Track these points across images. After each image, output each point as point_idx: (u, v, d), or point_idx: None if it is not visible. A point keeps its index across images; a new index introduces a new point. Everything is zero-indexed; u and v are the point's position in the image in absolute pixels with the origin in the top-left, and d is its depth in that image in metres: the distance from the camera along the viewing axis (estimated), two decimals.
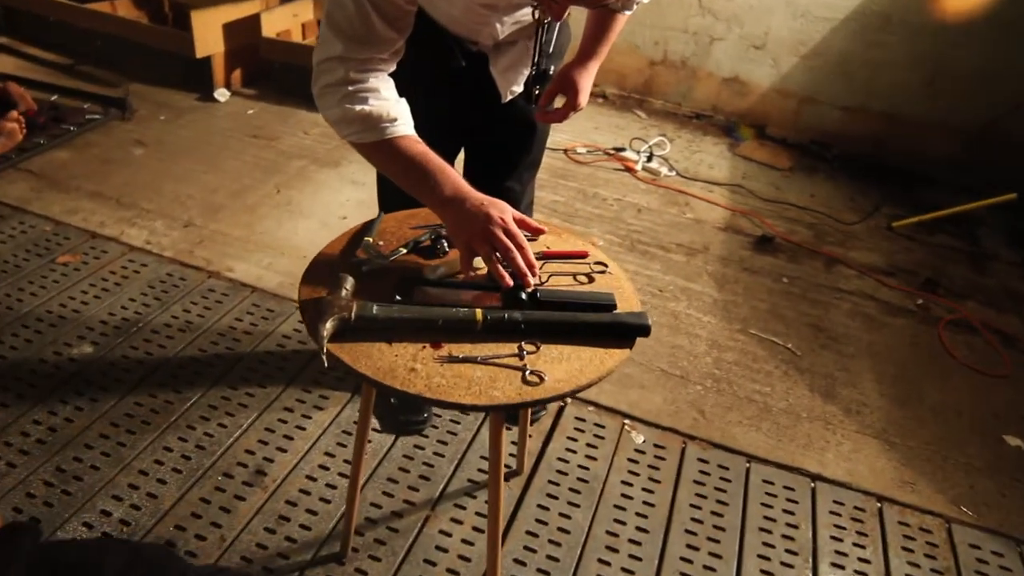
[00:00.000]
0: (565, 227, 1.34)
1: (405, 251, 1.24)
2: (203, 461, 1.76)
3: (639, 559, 1.66)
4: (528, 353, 1.04)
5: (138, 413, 1.87)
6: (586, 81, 1.50)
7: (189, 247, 2.52)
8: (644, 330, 1.09)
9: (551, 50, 1.49)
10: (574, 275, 1.24)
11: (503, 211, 1.12)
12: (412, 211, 1.38)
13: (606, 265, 1.27)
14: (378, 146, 1.16)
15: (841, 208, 3.30)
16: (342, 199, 2.89)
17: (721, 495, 1.85)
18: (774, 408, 2.15)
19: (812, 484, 1.91)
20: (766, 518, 1.80)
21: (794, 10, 3.61)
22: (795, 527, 1.78)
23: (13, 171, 2.85)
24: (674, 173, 3.37)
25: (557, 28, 1.46)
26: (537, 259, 1.23)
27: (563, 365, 1.03)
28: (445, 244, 1.25)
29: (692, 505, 1.81)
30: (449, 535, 1.66)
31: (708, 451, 1.97)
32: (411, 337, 1.04)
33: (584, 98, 1.49)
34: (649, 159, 3.38)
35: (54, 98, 3.35)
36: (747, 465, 1.95)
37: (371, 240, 1.24)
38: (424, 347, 1.03)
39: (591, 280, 1.24)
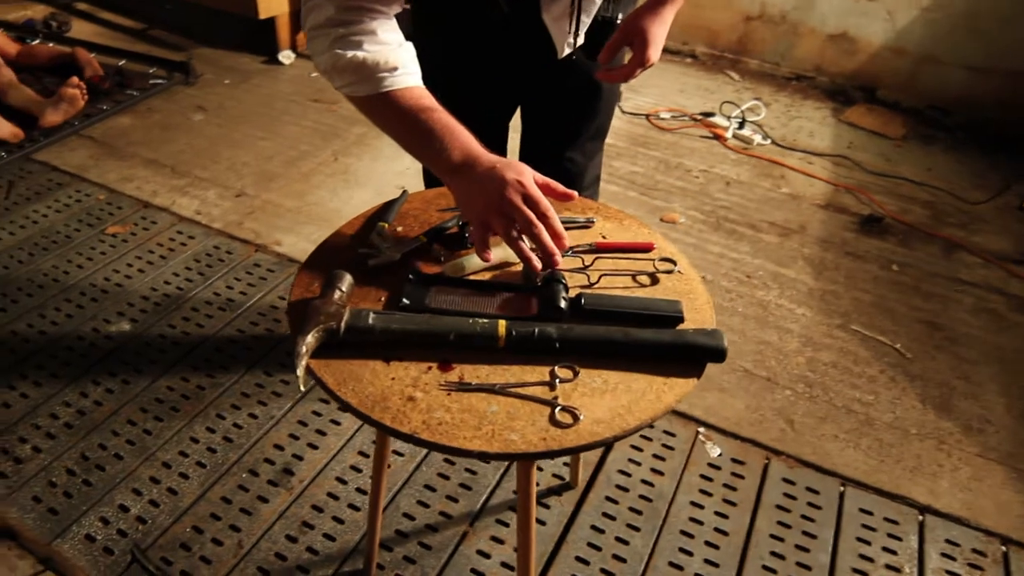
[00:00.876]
0: (625, 212, 1.09)
1: (425, 240, 1.02)
2: (229, 455, 1.63)
3: None
4: (562, 381, 0.82)
5: (168, 398, 1.75)
6: (658, 30, 1.19)
7: (239, 218, 2.40)
8: (717, 354, 0.84)
9: None
10: (633, 275, 1.00)
11: (520, 173, 0.90)
12: (445, 188, 1.16)
13: (675, 263, 1.02)
14: (374, 100, 0.94)
15: (964, 185, 2.88)
16: (401, 167, 2.70)
17: (808, 524, 1.58)
18: (877, 421, 1.84)
19: (920, 517, 1.61)
20: (862, 556, 1.52)
21: None
22: (897, 570, 1.50)
23: (76, 138, 2.80)
24: (769, 142, 3.02)
25: None
26: (589, 253, 1.00)
27: (606, 399, 0.80)
28: None
29: (773, 536, 1.55)
30: (488, 556, 1.47)
31: (796, 470, 1.70)
32: (415, 355, 0.83)
33: (655, 51, 1.19)
34: (741, 126, 3.04)
35: (122, 63, 3.30)
36: (841, 489, 1.67)
37: (386, 226, 1.03)
38: (430, 368, 0.82)
39: (654, 282, 0.99)
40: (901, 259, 2.43)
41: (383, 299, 0.92)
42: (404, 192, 1.14)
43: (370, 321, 0.83)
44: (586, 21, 1.23)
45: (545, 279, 0.93)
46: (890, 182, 2.84)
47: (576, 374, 0.82)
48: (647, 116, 3.15)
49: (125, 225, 2.35)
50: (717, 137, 3.00)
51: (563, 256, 0.91)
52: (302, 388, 0.75)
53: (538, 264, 0.89)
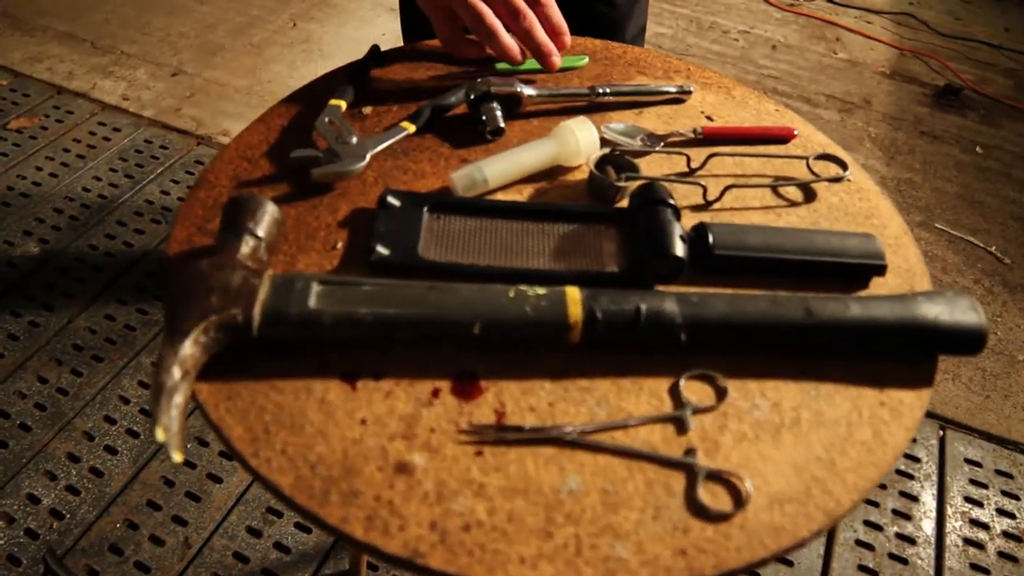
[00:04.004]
0: (734, 79, 0.65)
1: (412, 130, 0.60)
2: None
3: None
4: (697, 411, 0.42)
5: (89, 344, 1.36)
6: None
7: (176, 103, 1.92)
8: (973, 339, 0.45)
9: None
10: (774, 185, 0.59)
11: None
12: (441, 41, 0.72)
13: (844, 166, 0.61)
14: None
15: None
16: (376, 33, 2.20)
17: (906, 483, 1.25)
18: None
19: None
20: (974, 522, 1.20)
21: None
22: (1018, 540, 1.18)
23: None
24: None
25: None
26: (696, 146, 0.59)
27: (785, 447, 0.41)
28: (498, 112, 0.61)
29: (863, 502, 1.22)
30: None
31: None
32: (405, 366, 0.44)
33: None
34: None
35: None
36: (940, 433, 1.33)
37: (342, 105, 0.61)
38: (436, 393, 0.43)
39: (809, 197, 0.59)
40: (986, 140, 2.00)
41: (338, 248, 0.51)
42: (374, 48, 0.70)
43: (312, 301, 0.42)
44: None
45: (638, 192, 0.52)
46: (964, 45, 2.36)
47: (723, 394, 0.43)
48: None
49: (33, 117, 1.87)
50: None
51: (642, 139, 0.52)
52: (175, 458, 0.33)
53: (518, 56, 0.63)
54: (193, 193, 0.56)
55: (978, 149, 1.98)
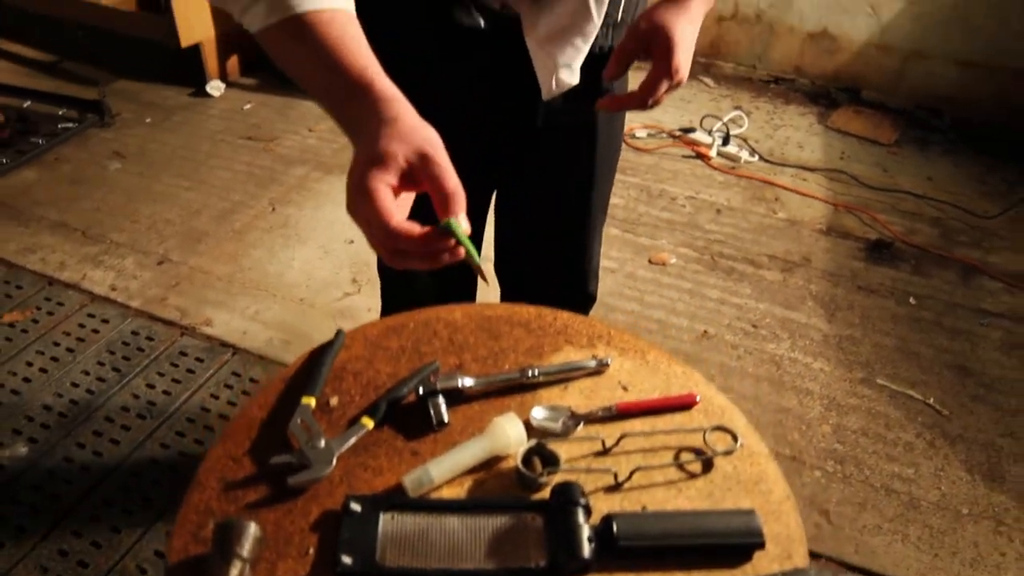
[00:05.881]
0: (629, 330, 0.80)
1: (371, 426, 0.71)
2: None
3: None
4: None
5: (75, 550, 1.41)
6: (686, 28, 0.82)
7: (162, 292, 2.04)
8: None
9: None
10: (677, 460, 0.70)
11: (365, 202, 0.60)
12: (403, 318, 0.85)
13: (735, 436, 0.72)
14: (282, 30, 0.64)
15: (969, 194, 2.64)
16: (348, 217, 2.37)
17: None
18: (923, 502, 1.58)
19: None
20: None
21: None
22: None
23: None
24: (756, 158, 2.75)
25: None
26: (611, 420, 0.71)
27: None
28: (442, 405, 0.72)
29: None
30: None
31: None
32: None
33: (684, 57, 0.83)
34: (725, 141, 2.76)
35: (26, 104, 2.90)
36: None
37: (312, 404, 0.72)
38: None
39: (707, 468, 0.70)
40: (918, 290, 2.17)
41: (310, 554, 0.60)
42: (339, 333, 0.82)
43: None
44: (581, 48, 0.90)
45: (556, 491, 0.63)
46: (891, 197, 2.59)
47: None
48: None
49: (25, 310, 1.98)
50: (700, 156, 2.72)
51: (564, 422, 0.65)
52: None
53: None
54: (188, 497, 0.65)
55: (911, 300, 2.14)
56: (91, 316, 1.96)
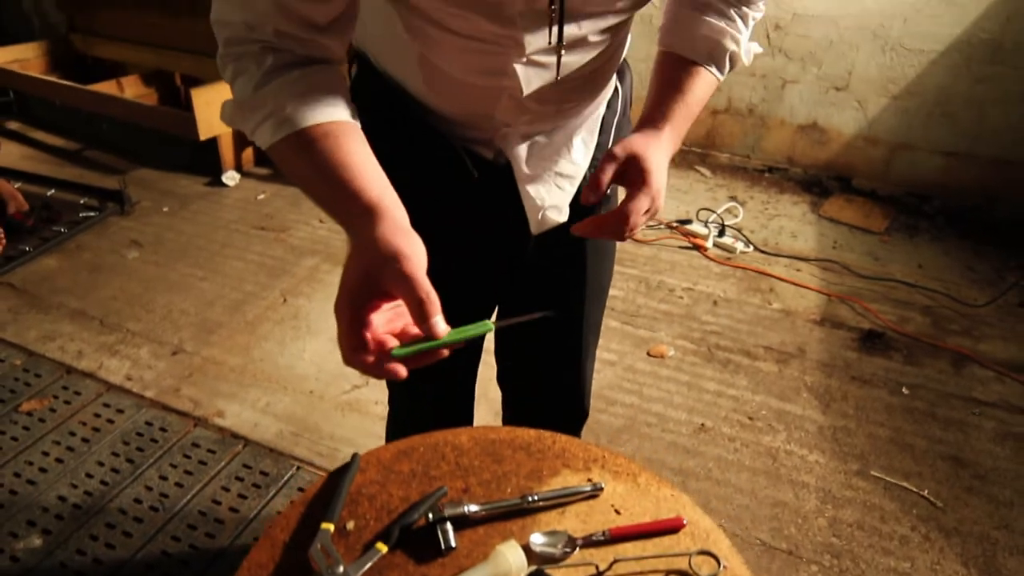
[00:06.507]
0: (616, 450, 0.86)
1: (385, 551, 0.77)
2: None
3: None
4: None
5: None
6: (658, 156, 0.84)
7: (175, 383, 2.11)
8: None
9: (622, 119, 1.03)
10: None
11: (344, 332, 0.68)
12: (413, 441, 0.91)
13: (718, 560, 0.78)
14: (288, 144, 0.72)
15: (959, 281, 2.73)
16: None
17: None
18: None
19: None
20: None
21: (883, 44, 3.07)
22: None
23: None
24: (751, 248, 2.85)
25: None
26: (604, 545, 0.76)
27: None
28: (450, 531, 0.78)
29: None
30: None
31: None
32: None
33: (657, 180, 0.83)
34: (721, 233, 2.87)
35: (50, 193, 3.04)
36: None
37: (331, 530, 0.78)
38: None
39: None
40: (910, 380, 2.23)
41: None
42: (355, 457, 0.88)
43: None
44: (567, 191, 0.98)
45: None
46: (883, 286, 2.67)
47: None
48: None
49: (43, 399, 2.05)
50: (697, 248, 2.82)
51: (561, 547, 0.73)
52: None
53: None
54: None
55: (904, 390, 2.20)
56: (107, 406, 2.03)
